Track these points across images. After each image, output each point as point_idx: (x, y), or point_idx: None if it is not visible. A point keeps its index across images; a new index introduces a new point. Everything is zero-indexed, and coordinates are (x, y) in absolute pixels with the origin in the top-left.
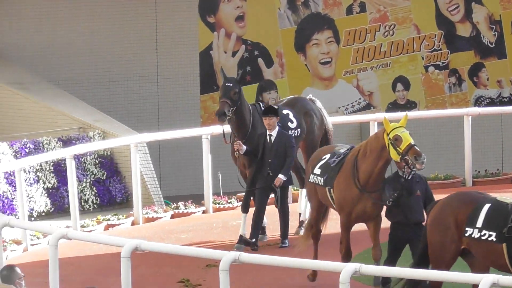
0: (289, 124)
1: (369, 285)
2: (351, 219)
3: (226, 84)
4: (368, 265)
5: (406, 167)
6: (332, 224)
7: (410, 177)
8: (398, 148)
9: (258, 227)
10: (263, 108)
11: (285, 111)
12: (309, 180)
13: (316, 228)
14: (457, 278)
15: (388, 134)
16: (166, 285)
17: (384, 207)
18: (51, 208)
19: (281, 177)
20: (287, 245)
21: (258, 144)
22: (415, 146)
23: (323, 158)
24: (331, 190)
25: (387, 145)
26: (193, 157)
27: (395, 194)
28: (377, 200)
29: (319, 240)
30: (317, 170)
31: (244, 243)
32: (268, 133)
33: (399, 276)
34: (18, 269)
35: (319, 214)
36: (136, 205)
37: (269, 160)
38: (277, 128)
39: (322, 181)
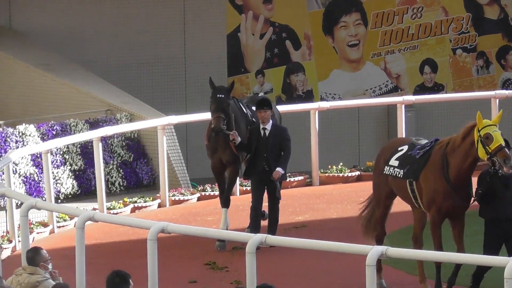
0: None
1: (395, 268)
2: (441, 214)
3: (218, 96)
4: (395, 248)
5: (492, 168)
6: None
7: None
8: (487, 147)
9: (258, 223)
10: (241, 104)
11: None
12: (384, 172)
13: (382, 229)
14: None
15: (479, 131)
16: (193, 267)
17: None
18: (77, 190)
19: (280, 170)
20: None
21: (246, 137)
22: (506, 149)
23: (399, 149)
24: (414, 183)
25: (476, 142)
26: None
27: (480, 191)
28: (465, 197)
29: (382, 244)
30: (393, 162)
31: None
32: (262, 126)
33: (428, 259)
34: (44, 252)
35: (386, 210)
36: (162, 187)
37: (265, 155)
38: (271, 121)
39: (401, 173)
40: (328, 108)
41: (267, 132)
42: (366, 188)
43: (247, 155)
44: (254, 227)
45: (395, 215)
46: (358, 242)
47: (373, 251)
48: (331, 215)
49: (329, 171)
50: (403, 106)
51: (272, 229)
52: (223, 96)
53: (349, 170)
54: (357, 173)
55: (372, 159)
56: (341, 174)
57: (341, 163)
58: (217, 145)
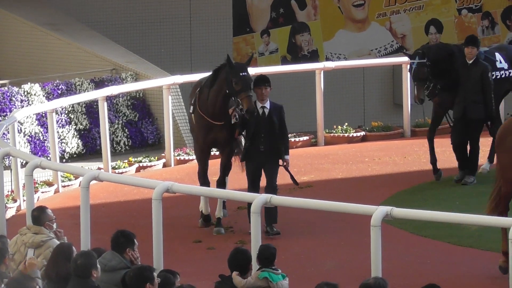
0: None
1: (401, 229)
2: None
3: (242, 74)
4: (400, 208)
5: None
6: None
7: None
8: None
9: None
10: None
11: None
12: None
13: (505, 207)
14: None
15: None
16: (197, 227)
17: None
18: (82, 150)
19: (287, 157)
20: (279, 232)
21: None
22: None
23: None
24: None
25: None
26: None
27: None
28: None
29: None
30: None
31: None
32: (260, 105)
33: (433, 220)
34: (49, 211)
35: None
36: (168, 147)
37: (262, 135)
38: (268, 99)
39: None
40: (333, 68)
41: (266, 111)
42: (371, 148)
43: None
44: (270, 216)
45: (401, 175)
46: (364, 202)
47: (378, 211)
48: (336, 175)
49: (334, 131)
50: (408, 66)
51: (273, 217)
52: (246, 74)
53: (354, 130)
54: (362, 133)
55: (377, 119)
56: (346, 134)
57: (346, 123)
58: (212, 124)
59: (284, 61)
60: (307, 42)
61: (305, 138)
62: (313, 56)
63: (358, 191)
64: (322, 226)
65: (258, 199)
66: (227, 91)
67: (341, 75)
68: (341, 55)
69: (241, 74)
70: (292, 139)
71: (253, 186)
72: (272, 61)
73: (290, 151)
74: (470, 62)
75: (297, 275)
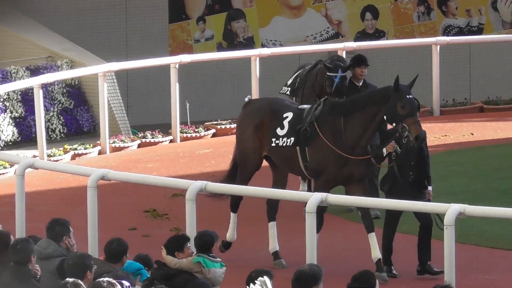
0: None
1: (341, 216)
2: None
3: (409, 96)
4: (335, 195)
5: None
6: None
7: None
8: None
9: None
10: None
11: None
12: None
13: None
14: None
15: None
16: (133, 214)
17: None
18: (18, 138)
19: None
20: None
21: None
22: None
23: None
24: None
25: None
26: (161, 86)
27: None
28: None
29: None
30: None
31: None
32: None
33: (363, 205)
34: None
35: None
36: (103, 134)
37: (412, 163)
38: None
39: None
40: (269, 55)
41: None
42: None
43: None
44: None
45: None
46: (294, 188)
47: (313, 198)
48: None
49: None
50: (344, 52)
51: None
52: (413, 98)
53: None
54: None
55: None
56: None
57: None
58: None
59: (220, 48)
60: (243, 29)
61: None
62: (249, 43)
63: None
64: (259, 213)
65: (193, 186)
66: (385, 118)
67: (277, 62)
68: (277, 41)
69: (408, 96)
70: (228, 126)
71: (393, 228)
72: (208, 48)
73: (226, 138)
74: (360, 84)
75: (232, 262)
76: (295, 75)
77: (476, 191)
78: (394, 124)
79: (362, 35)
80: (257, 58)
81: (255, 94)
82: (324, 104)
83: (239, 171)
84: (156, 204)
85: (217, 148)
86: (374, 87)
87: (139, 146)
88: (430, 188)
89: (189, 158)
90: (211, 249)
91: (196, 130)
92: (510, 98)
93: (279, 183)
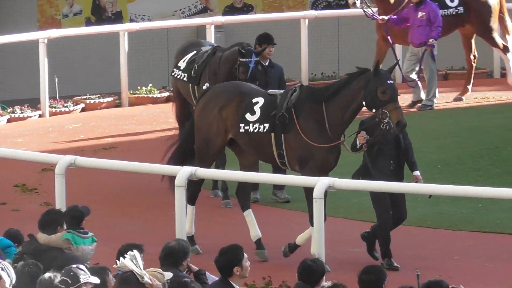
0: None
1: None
2: None
3: (390, 81)
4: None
5: None
6: None
7: None
8: None
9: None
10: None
11: None
12: None
13: None
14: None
15: None
16: (2, 189)
17: None
18: None
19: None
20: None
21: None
22: None
23: None
24: None
25: None
26: (31, 61)
27: None
28: None
29: None
30: None
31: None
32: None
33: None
34: None
35: None
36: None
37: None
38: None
39: None
40: (137, 30)
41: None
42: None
43: None
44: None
45: None
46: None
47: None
48: (141, 137)
49: (138, 92)
50: (212, 27)
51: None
52: (392, 82)
53: (158, 91)
54: (166, 94)
55: None
56: (150, 95)
57: (151, 85)
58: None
59: (89, 23)
60: (111, 3)
61: (110, 99)
62: (117, 18)
63: (162, 152)
64: (130, 185)
65: (62, 160)
66: (364, 103)
67: (147, 37)
68: (145, 16)
69: (388, 81)
70: (96, 101)
71: (388, 216)
72: (77, 23)
73: (95, 112)
74: (266, 63)
75: (102, 236)
76: (189, 59)
77: None
78: (373, 110)
79: (230, 9)
80: (126, 33)
81: (123, 69)
82: (300, 90)
83: (199, 159)
84: (25, 179)
85: (86, 122)
86: (279, 67)
87: (8, 121)
88: (418, 172)
89: (58, 133)
90: (81, 224)
91: (65, 105)
92: None
93: (250, 168)
